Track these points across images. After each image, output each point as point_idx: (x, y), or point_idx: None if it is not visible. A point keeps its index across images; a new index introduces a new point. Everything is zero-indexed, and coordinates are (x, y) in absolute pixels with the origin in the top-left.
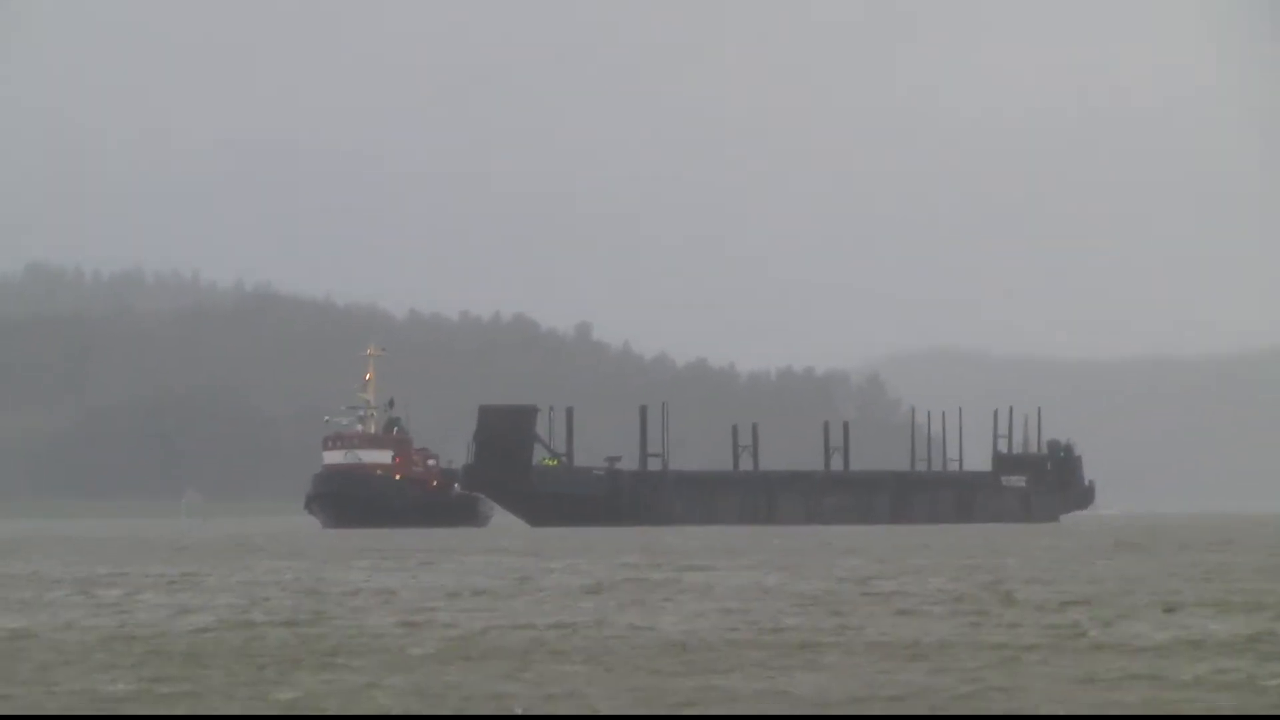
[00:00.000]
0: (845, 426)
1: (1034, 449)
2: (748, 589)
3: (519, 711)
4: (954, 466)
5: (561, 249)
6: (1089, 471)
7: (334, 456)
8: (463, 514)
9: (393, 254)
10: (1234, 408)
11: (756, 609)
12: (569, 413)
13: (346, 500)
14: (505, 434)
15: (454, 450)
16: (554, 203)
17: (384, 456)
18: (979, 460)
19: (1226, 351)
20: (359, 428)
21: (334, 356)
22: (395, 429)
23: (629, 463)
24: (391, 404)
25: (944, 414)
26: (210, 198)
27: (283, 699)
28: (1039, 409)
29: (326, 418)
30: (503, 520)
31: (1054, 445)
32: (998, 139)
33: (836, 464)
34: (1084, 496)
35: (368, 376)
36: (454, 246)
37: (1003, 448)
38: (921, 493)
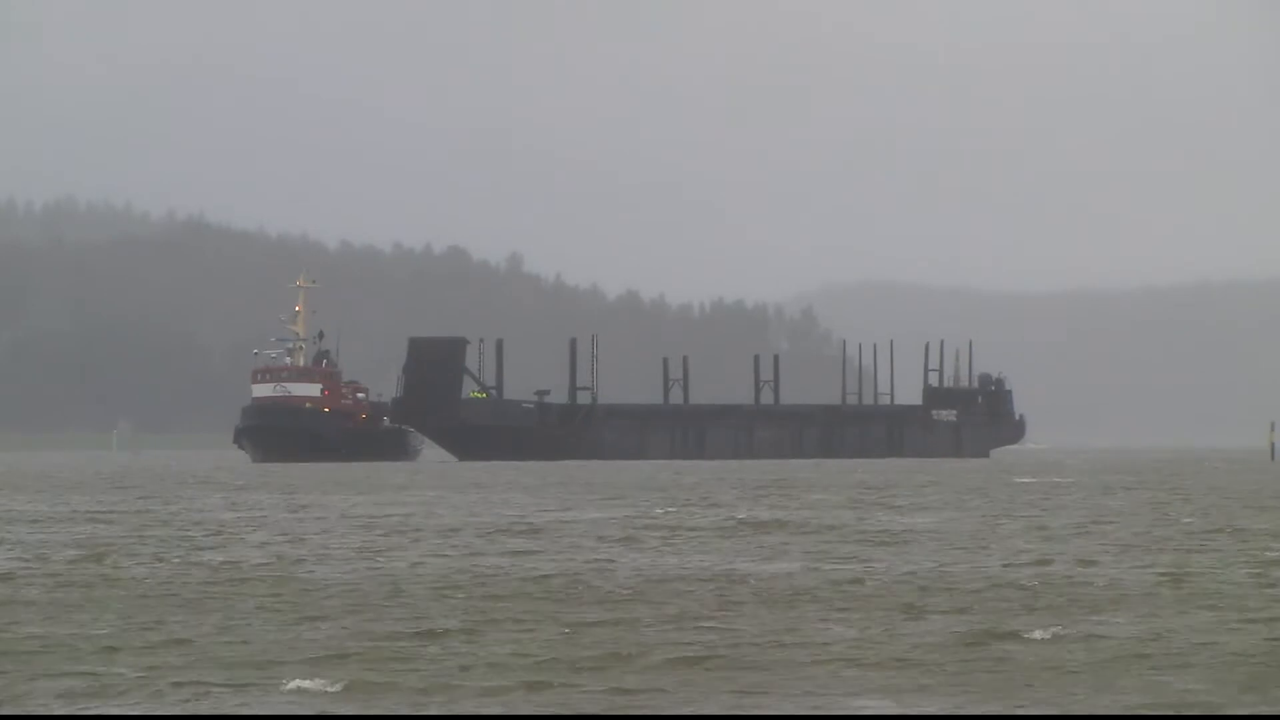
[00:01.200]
0: (775, 360)
1: (965, 383)
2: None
3: None
4: (885, 400)
5: (495, 181)
6: (1020, 406)
7: (263, 390)
8: (392, 448)
9: (326, 185)
10: (1165, 342)
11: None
12: (499, 345)
13: (275, 434)
14: (434, 367)
15: (385, 383)
16: (488, 135)
17: (313, 390)
18: (911, 394)
19: (1158, 284)
20: (288, 360)
21: (266, 287)
22: (324, 362)
23: (558, 396)
24: (321, 336)
25: (875, 347)
26: (143, 126)
27: None
28: (970, 342)
29: (256, 350)
30: (433, 454)
31: (985, 379)
32: (931, 73)
33: (767, 398)
34: (1015, 431)
35: (297, 309)
36: (388, 178)
37: (934, 381)
38: (852, 427)
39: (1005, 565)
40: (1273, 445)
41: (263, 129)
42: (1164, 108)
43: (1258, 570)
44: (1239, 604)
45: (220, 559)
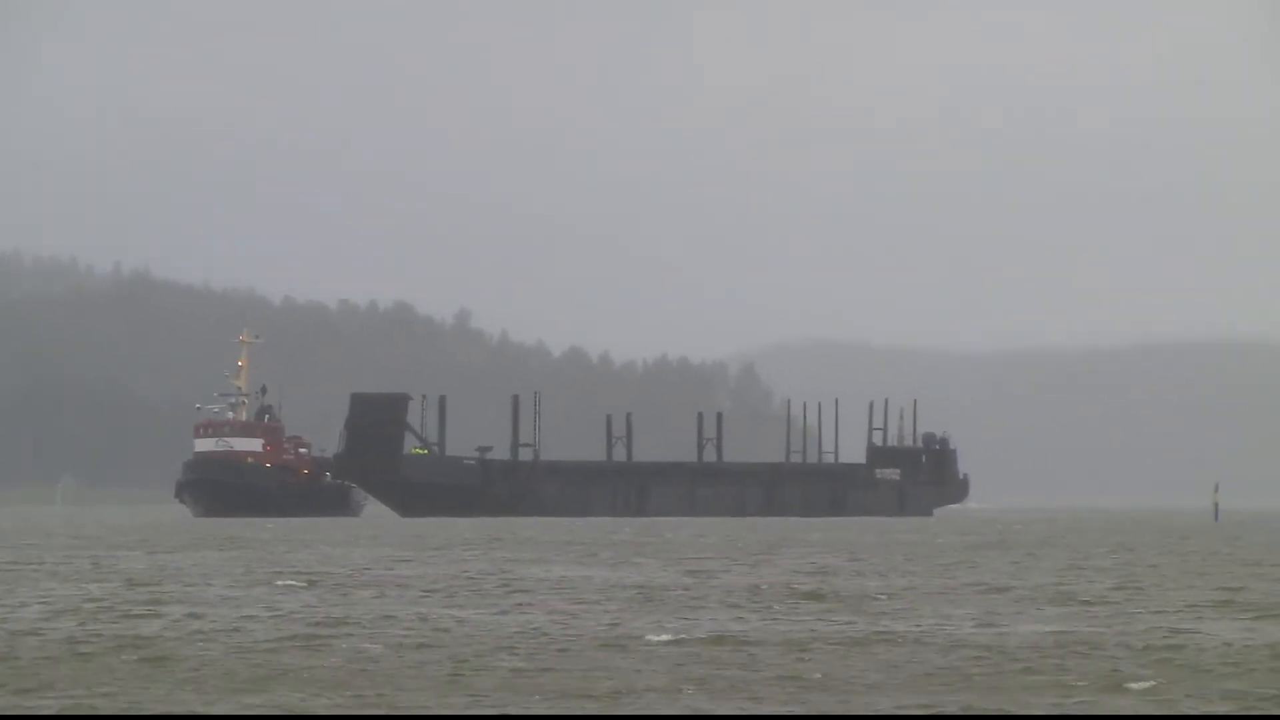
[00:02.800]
0: (719, 417)
1: (909, 442)
2: None
3: None
4: (829, 459)
5: (441, 238)
6: (964, 465)
7: (205, 444)
8: (335, 503)
9: (272, 240)
10: (1111, 403)
11: None
12: (441, 401)
13: (216, 488)
14: (376, 422)
15: (329, 439)
16: (435, 192)
17: (254, 444)
18: (855, 452)
19: (1103, 346)
20: (230, 415)
21: (211, 342)
22: (267, 417)
23: (501, 452)
24: (264, 391)
25: (820, 405)
26: (89, 181)
27: None
28: (914, 401)
29: (198, 405)
30: (376, 510)
31: (929, 438)
32: (875, 133)
33: (710, 456)
34: (959, 490)
35: (240, 363)
36: (333, 234)
37: (878, 440)
38: (795, 485)
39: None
40: (1216, 506)
41: (209, 184)
42: (1109, 168)
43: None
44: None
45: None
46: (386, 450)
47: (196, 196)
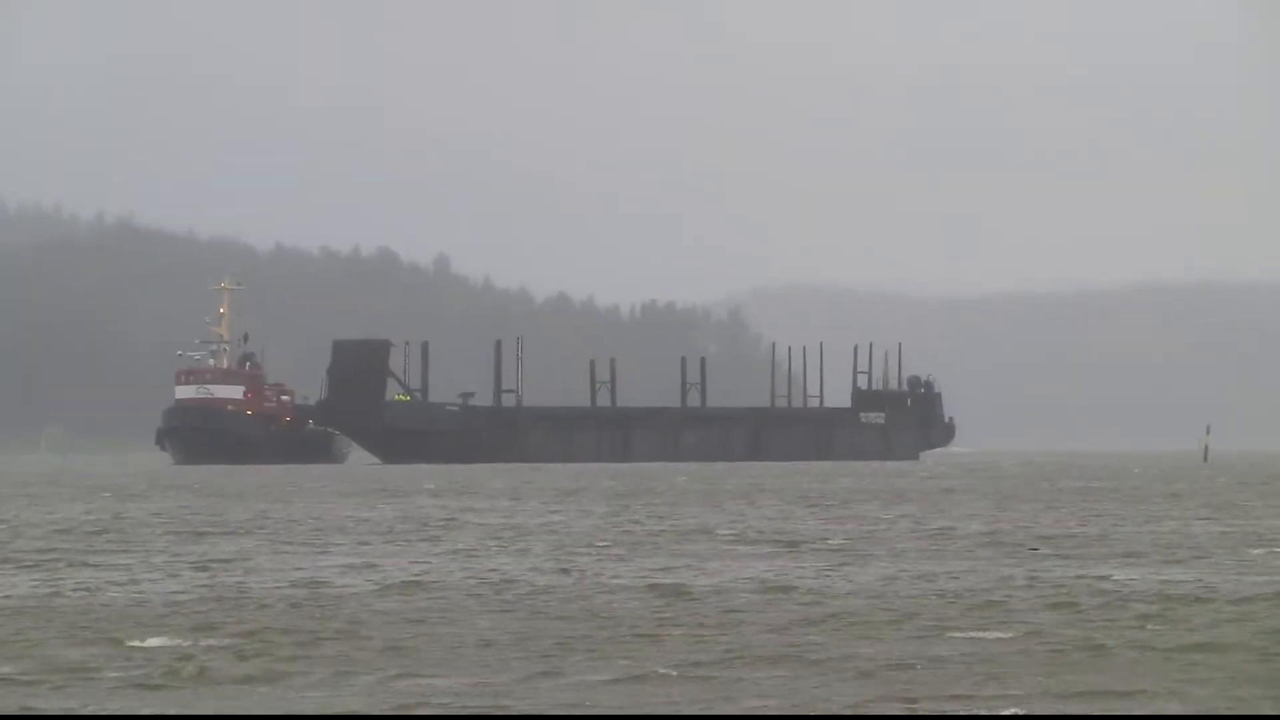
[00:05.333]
0: (702, 362)
1: (894, 385)
2: None
3: None
4: (814, 403)
5: (424, 182)
6: (949, 409)
7: (185, 391)
8: (317, 450)
9: (256, 187)
10: (1099, 346)
11: None
12: (424, 347)
13: (196, 435)
14: (358, 369)
15: (312, 386)
16: (418, 138)
17: (235, 392)
18: (840, 397)
19: (1091, 289)
20: (211, 363)
21: (195, 290)
22: (248, 364)
23: (484, 399)
24: (246, 339)
25: (805, 349)
26: (73, 128)
27: None
28: (899, 345)
29: (179, 352)
30: (360, 457)
31: (914, 381)
32: (863, 80)
33: (694, 400)
34: (944, 433)
35: (222, 311)
36: (317, 180)
37: (863, 384)
38: (780, 429)
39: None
40: (1205, 448)
41: (193, 131)
42: (1095, 112)
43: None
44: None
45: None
46: (369, 397)
47: (181, 144)
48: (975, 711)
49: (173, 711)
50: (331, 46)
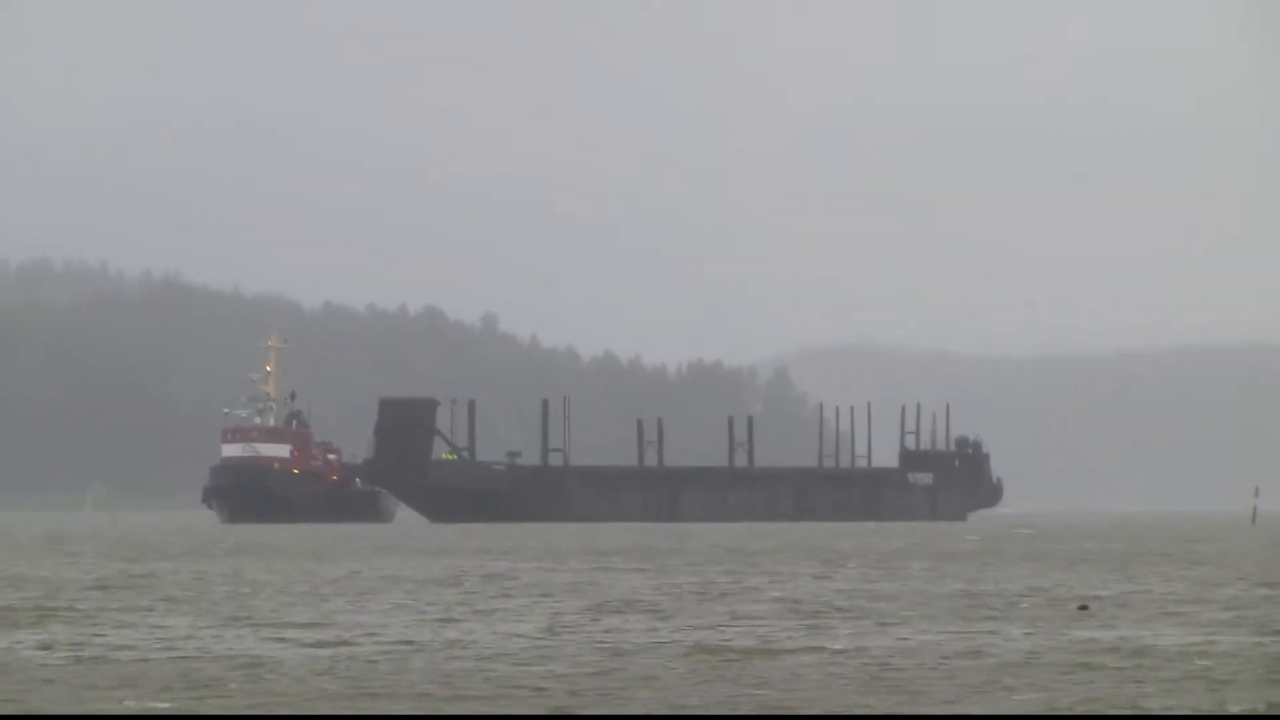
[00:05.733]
0: (750, 421)
1: (942, 445)
2: None
3: None
4: (862, 463)
5: (471, 241)
6: (997, 469)
7: (232, 450)
8: (364, 509)
9: (302, 245)
10: (1144, 406)
11: None
12: (471, 406)
13: (243, 494)
14: (405, 428)
15: (359, 444)
16: (465, 196)
17: (282, 450)
18: (887, 457)
19: (1134, 349)
20: (258, 421)
21: (241, 347)
22: (295, 422)
23: (531, 458)
24: (293, 397)
25: (852, 409)
26: (120, 186)
27: None
28: (947, 405)
29: (226, 410)
30: (407, 515)
31: (962, 442)
32: (906, 134)
33: (742, 460)
34: (992, 494)
35: (268, 369)
36: (364, 238)
37: (910, 444)
38: (827, 489)
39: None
40: (1255, 509)
41: (240, 188)
42: (1142, 174)
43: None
44: None
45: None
46: (416, 456)
47: (227, 202)
48: (978, 712)
49: (173, 711)
50: (376, 103)
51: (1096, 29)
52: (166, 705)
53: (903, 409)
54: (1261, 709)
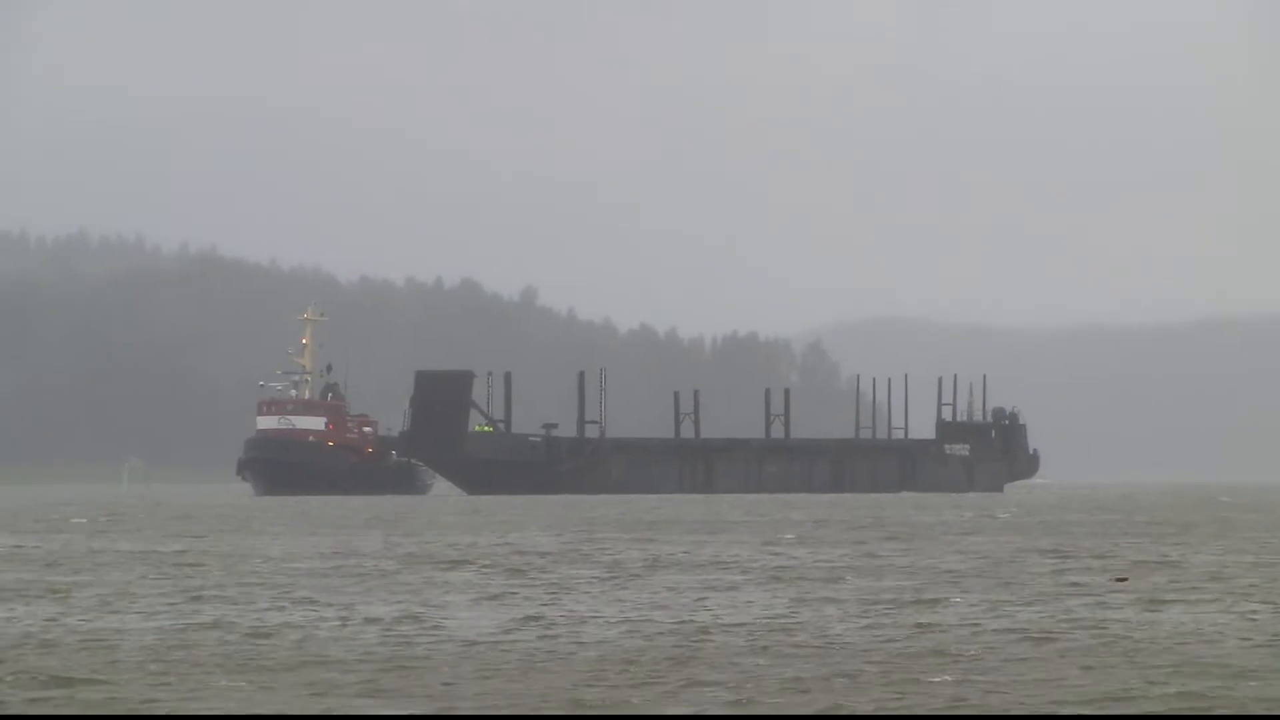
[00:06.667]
0: (786, 393)
1: (978, 417)
2: None
3: None
4: (898, 434)
5: (509, 214)
6: (1034, 441)
7: (267, 422)
8: (400, 481)
9: (340, 218)
10: (1181, 378)
11: None
12: (507, 378)
13: (278, 466)
14: (441, 400)
15: (394, 417)
16: (504, 170)
17: (317, 423)
18: (923, 428)
19: (1172, 321)
20: (293, 393)
21: (278, 321)
22: (330, 395)
23: (567, 430)
24: (329, 369)
25: (890, 381)
26: (156, 159)
27: None
28: (984, 376)
29: (261, 383)
30: (443, 488)
31: (998, 413)
32: (943, 108)
33: (778, 432)
34: (1028, 465)
35: (304, 341)
36: (401, 211)
37: (947, 415)
38: (863, 461)
39: None
40: None
41: (277, 162)
42: (1173, 145)
43: None
44: None
45: None
46: (452, 428)
47: (264, 176)
48: (972, 713)
49: (173, 711)
50: (417, 80)
51: (1127, 9)
52: None
53: (939, 380)
54: None
